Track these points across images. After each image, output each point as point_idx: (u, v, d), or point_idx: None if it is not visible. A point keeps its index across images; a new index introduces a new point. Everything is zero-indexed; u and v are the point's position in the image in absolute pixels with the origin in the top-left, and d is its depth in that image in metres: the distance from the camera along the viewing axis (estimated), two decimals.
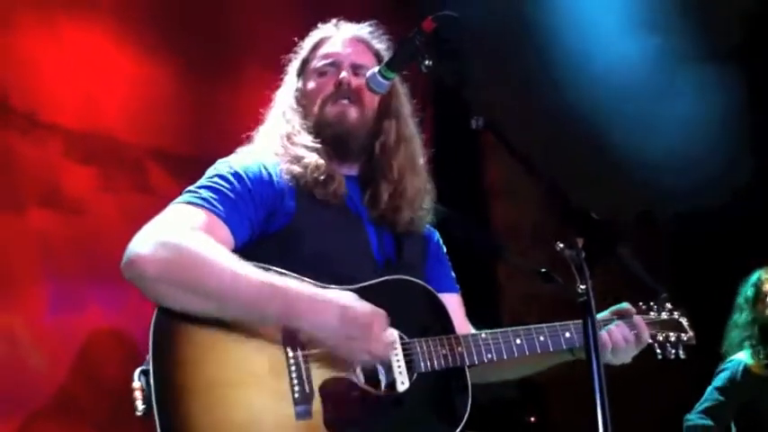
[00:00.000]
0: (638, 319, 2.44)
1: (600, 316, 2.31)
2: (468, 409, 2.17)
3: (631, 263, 1.80)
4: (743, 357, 4.21)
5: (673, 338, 2.49)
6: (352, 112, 2.37)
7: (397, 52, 2.30)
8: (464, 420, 2.15)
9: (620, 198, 5.73)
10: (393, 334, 2.12)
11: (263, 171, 2.24)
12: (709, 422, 4.10)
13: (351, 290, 2.15)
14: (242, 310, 2.00)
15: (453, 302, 2.39)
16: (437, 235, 2.53)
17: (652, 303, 2.50)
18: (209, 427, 1.93)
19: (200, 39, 4.77)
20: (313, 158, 2.28)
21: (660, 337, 2.48)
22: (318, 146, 2.33)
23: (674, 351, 2.49)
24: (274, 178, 2.25)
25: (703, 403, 4.17)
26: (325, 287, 2.10)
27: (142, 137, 4.52)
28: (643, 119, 5.76)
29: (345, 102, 2.37)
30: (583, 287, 1.82)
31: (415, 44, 2.20)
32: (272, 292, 2.00)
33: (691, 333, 2.49)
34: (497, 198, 5.87)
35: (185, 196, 2.16)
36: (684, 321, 2.50)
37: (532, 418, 5.13)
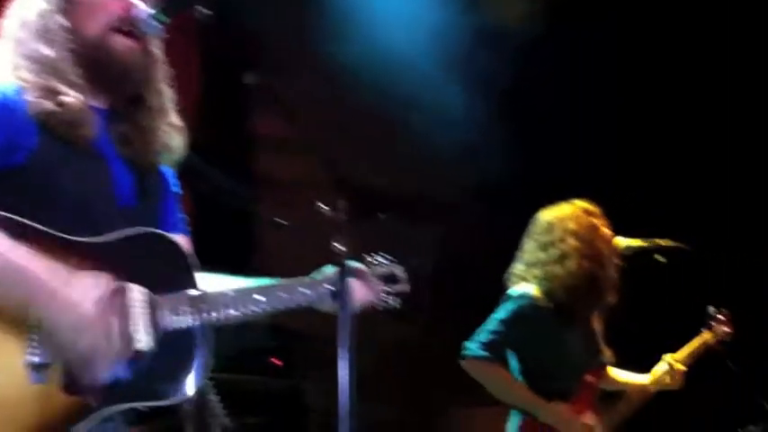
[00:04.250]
0: (374, 285, 2.58)
1: (332, 271, 2.37)
2: (210, 365, 2.21)
3: (391, 225, 1.89)
4: None
5: (391, 290, 2.63)
6: (140, 49, 2.27)
7: None
8: (206, 375, 2.20)
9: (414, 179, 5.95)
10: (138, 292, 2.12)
11: (5, 99, 2.09)
12: None
13: (96, 244, 2.11)
14: None
15: (182, 243, 2.35)
16: (172, 173, 2.47)
17: (375, 257, 2.61)
18: None
19: None
20: (73, 98, 2.14)
21: (380, 289, 2.62)
22: (80, 79, 2.19)
23: (390, 301, 2.64)
24: (17, 109, 2.10)
25: None
26: (71, 242, 2.06)
27: None
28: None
29: (135, 37, 2.25)
30: (340, 246, 1.90)
31: None
32: (16, 278, 1.95)
33: (406, 284, 2.64)
34: (264, 152, 5.88)
35: None
36: (399, 272, 2.63)
37: (276, 361, 5.24)
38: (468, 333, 3.96)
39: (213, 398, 3.89)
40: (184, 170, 2.48)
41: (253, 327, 5.32)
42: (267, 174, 5.85)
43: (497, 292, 4.06)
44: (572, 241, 4.01)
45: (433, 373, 6.58)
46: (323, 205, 1.89)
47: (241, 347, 5.13)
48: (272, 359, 5.29)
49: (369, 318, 2.53)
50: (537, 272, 4.03)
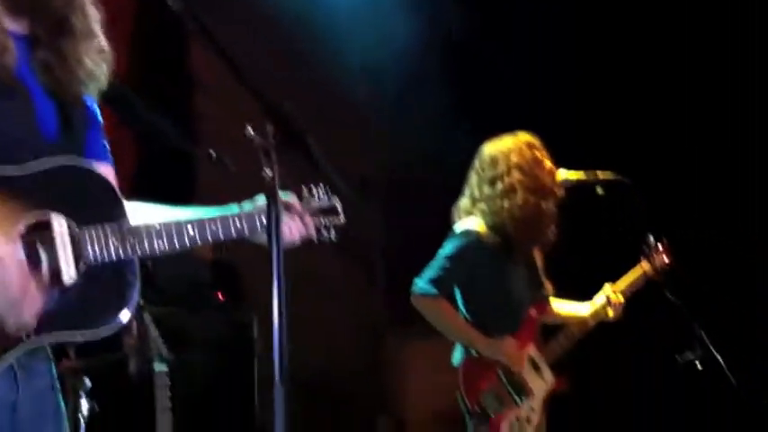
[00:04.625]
0: (308, 218, 2.50)
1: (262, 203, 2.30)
2: (137, 297, 2.18)
3: (318, 155, 1.87)
4: None
5: (327, 223, 2.56)
6: None
7: None
8: (132, 307, 2.17)
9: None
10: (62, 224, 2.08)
11: None
12: None
13: (17, 176, 2.06)
14: None
15: (108, 173, 2.31)
16: (95, 102, 2.38)
17: (312, 189, 2.55)
18: None
19: None
20: None
21: (316, 222, 2.55)
22: None
23: (327, 235, 2.57)
24: None
25: None
26: None
27: None
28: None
29: None
30: (269, 173, 1.87)
31: None
32: None
33: (342, 217, 2.57)
34: (199, 88, 5.77)
35: None
36: (338, 205, 2.57)
37: (220, 295, 5.23)
38: None
39: (154, 332, 3.89)
40: (114, 100, 2.41)
41: (198, 261, 5.30)
42: (198, 106, 5.75)
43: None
44: (517, 175, 4.03)
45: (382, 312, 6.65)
46: (251, 130, 1.85)
47: (186, 282, 5.11)
48: (217, 294, 5.27)
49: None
50: (483, 206, 4.06)
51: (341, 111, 6.06)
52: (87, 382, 3.92)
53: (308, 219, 2.50)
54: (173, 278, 4.92)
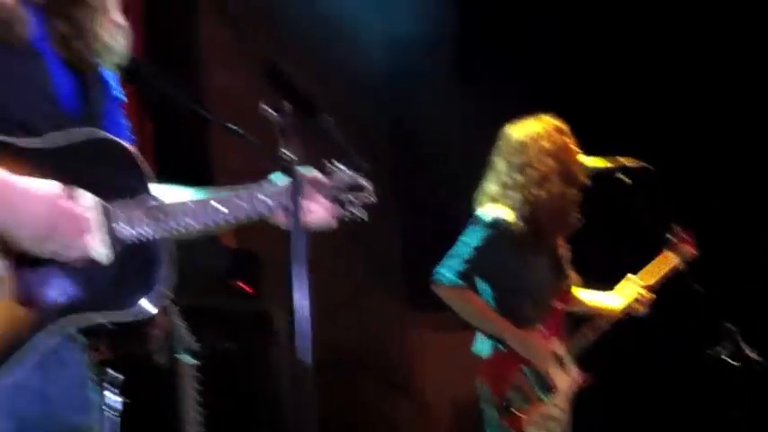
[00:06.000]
0: (335, 191, 2.37)
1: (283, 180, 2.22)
2: (169, 276, 2.11)
3: (335, 132, 1.84)
4: None
5: (354, 199, 2.42)
6: None
7: None
8: (168, 292, 2.10)
9: None
10: (92, 200, 2.02)
11: None
12: None
13: (40, 149, 2.00)
14: None
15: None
16: (115, 77, 2.32)
17: (335, 164, 2.40)
18: None
19: None
20: None
21: (343, 198, 2.41)
22: None
23: (357, 213, 2.43)
24: None
25: None
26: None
27: None
28: None
29: None
30: (286, 151, 1.83)
31: None
32: None
33: (371, 193, 2.44)
34: (214, 62, 5.68)
35: None
36: (364, 182, 2.43)
37: (243, 285, 5.20)
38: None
39: (180, 322, 3.83)
40: (133, 75, 2.36)
41: (221, 249, 5.27)
42: (213, 82, 5.66)
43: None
44: (550, 162, 3.91)
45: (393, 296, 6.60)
46: (267, 107, 1.81)
47: (206, 271, 5.09)
48: (241, 284, 5.25)
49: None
50: (515, 195, 3.92)
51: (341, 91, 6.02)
52: (116, 375, 3.88)
53: (336, 195, 2.37)
54: (194, 267, 4.91)
